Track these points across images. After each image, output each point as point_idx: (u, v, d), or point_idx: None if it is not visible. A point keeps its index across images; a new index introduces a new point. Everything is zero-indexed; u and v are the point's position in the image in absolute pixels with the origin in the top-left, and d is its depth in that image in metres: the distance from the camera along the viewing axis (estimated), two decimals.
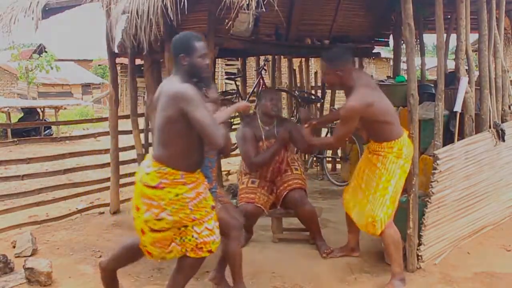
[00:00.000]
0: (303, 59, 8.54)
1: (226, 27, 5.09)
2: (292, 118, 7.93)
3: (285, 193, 4.46)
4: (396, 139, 3.76)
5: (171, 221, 3.06)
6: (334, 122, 5.39)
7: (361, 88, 3.68)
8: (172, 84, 3.04)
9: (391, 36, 7.23)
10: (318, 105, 8.23)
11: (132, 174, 6.25)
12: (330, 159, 8.12)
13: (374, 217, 3.72)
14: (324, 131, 7.80)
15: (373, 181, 3.80)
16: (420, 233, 3.99)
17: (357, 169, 4.09)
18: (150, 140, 5.91)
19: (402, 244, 3.84)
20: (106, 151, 6.15)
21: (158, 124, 3.05)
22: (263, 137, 4.43)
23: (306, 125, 4.18)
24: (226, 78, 17.80)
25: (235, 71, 9.47)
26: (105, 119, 6.51)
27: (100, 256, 4.50)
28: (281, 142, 4.38)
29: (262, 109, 4.42)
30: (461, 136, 4.33)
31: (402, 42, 6.57)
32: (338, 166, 8.06)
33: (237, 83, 8.68)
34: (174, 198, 3.02)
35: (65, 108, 17.41)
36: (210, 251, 3.17)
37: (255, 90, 8.57)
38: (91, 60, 32.21)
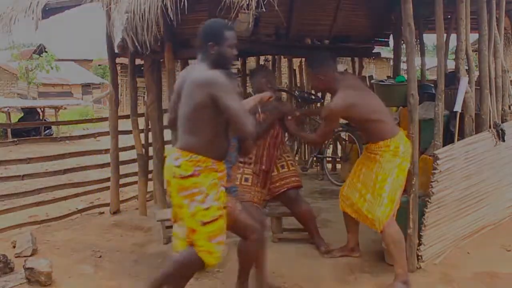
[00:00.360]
0: (303, 59, 8.52)
1: None
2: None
3: (282, 190, 4.46)
4: (391, 137, 3.77)
5: (219, 207, 2.94)
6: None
7: (344, 90, 3.77)
8: (200, 71, 2.96)
9: (391, 36, 7.23)
10: (318, 105, 8.22)
11: (132, 174, 6.33)
12: (330, 159, 8.12)
13: (373, 215, 3.73)
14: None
15: (370, 181, 3.81)
16: (420, 233, 3.99)
17: (354, 167, 4.10)
18: (150, 140, 5.91)
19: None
20: (106, 151, 6.15)
21: (185, 112, 2.96)
22: (259, 110, 4.40)
23: (289, 117, 4.22)
24: None
25: (235, 71, 9.45)
26: (105, 119, 6.51)
27: (100, 256, 4.50)
28: (277, 112, 4.28)
29: (257, 86, 4.29)
30: (461, 136, 4.32)
31: (402, 42, 6.57)
32: (338, 166, 8.06)
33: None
34: (212, 183, 2.94)
35: (65, 108, 17.46)
36: None
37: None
38: (91, 60, 32.25)
